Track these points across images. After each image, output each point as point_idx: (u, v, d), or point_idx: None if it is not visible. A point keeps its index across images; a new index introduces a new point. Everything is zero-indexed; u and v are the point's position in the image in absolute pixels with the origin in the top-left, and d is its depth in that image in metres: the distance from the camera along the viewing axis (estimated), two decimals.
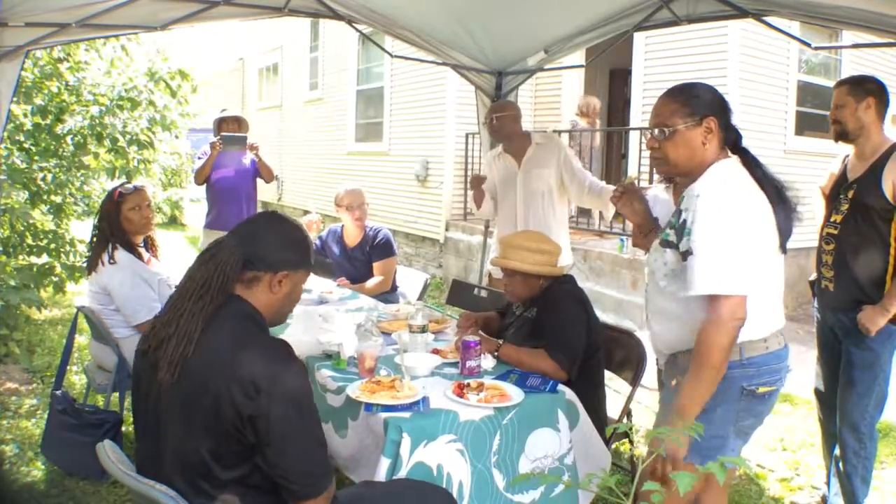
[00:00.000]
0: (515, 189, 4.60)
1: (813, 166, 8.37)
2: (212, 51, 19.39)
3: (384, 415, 2.44)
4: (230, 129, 5.89)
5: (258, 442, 1.83)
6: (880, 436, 3.48)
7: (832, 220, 3.30)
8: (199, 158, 5.88)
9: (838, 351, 3.33)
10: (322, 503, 1.90)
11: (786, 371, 2.38)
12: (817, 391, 3.60)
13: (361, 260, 5.07)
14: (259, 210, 6.41)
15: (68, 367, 4.21)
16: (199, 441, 1.84)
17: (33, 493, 3.51)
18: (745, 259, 2.16)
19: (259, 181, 6.10)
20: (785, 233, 2.31)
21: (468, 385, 2.71)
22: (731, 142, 2.37)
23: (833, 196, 3.36)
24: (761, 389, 2.28)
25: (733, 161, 2.34)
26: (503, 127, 4.58)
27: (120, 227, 3.81)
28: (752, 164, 2.34)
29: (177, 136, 8.16)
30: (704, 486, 2.35)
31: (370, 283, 4.98)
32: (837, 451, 3.34)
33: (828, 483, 3.52)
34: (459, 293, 5.09)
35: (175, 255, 6.41)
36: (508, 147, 4.68)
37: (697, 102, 2.32)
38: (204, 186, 5.99)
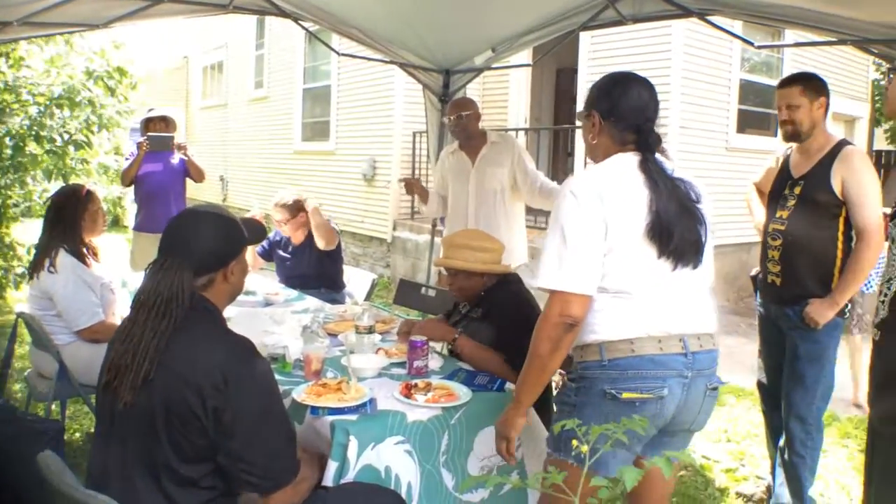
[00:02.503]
0: (468, 186, 4.61)
1: (754, 163, 8.50)
2: (155, 48, 19.02)
3: (330, 418, 2.40)
4: (157, 128, 5.85)
5: (222, 435, 1.86)
6: (824, 425, 3.55)
7: (778, 215, 3.35)
8: (127, 159, 5.86)
9: (782, 344, 3.39)
10: (287, 495, 1.98)
11: (672, 382, 2.13)
12: (760, 383, 3.66)
13: (308, 257, 4.98)
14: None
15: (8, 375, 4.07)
16: (161, 438, 1.87)
17: None
18: (587, 257, 2.08)
19: (199, 182, 6.07)
20: (668, 238, 2.10)
21: (416, 385, 2.69)
22: (632, 138, 2.24)
23: (776, 192, 3.41)
24: (625, 395, 2.11)
25: (623, 157, 2.22)
26: (469, 125, 4.59)
27: (78, 225, 3.71)
28: (646, 162, 2.18)
29: (108, 133, 7.98)
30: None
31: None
32: (782, 442, 3.40)
33: (773, 473, 3.59)
34: (407, 293, 5.06)
35: (116, 258, 6.27)
36: (464, 144, 4.69)
37: (587, 98, 2.32)
38: (133, 188, 5.94)
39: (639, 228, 2.10)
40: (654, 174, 2.15)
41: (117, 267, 5.49)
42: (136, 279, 4.54)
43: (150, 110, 6.10)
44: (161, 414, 1.87)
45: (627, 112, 2.24)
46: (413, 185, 4.89)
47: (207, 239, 2.06)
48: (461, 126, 4.59)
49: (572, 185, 2.16)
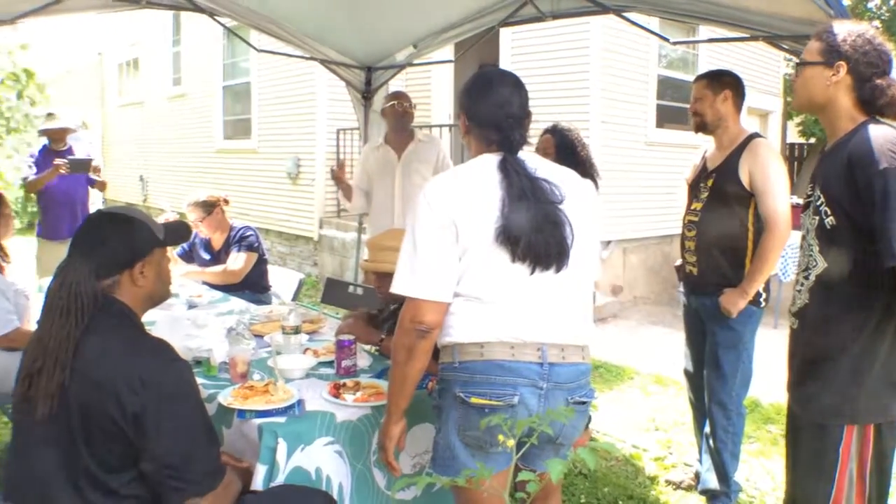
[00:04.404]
0: (393, 182, 4.64)
1: (673, 156, 8.79)
2: (69, 45, 18.41)
3: (258, 421, 2.36)
4: (56, 136, 5.91)
5: (144, 441, 1.82)
6: (747, 412, 3.66)
7: (693, 207, 3.45)
8: (30, 167, 5.80)
9: (703, 332, 3.48)
10: (216, 499, 1.92)
11: (524, 391, 2.06)
12: (686, 371, 3.74)
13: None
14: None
15: None
16: (83, 450, 1.83)
17: None
18: (438, 263, 2.04)
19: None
20: (515, 241, 2.03)
21: (344, 385, 2.66)
22: (495, 138, 2.18)
23: (694, 185, 3.51)
24: (474, 400, 2.06)
25: (486, 158, 2.17)
26: (411, 115, 4.74)
27: None
28: (505, 162, 2.11)
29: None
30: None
31: (214, 268, 4.81)
32: (707, 429, 3.49)
33: (700, 460, 3.67)
34: (334, 291, 5.02)
35: (30, 264, 6.04)
36: (393, 138, 4.74)
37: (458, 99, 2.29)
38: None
39: (490, 232, 2.04)
40: (511, 175, 2.08)
41: (27, 273, 5.30)
42: None
43: (49, 115, 6.08)
44: (79, 423, 1.82)
45: (487, 111, 2.19)
46: (339, 177, 4.85)
47: (108, 239, 2.02)
48: (403, 113, 4.69)
49: (426, 189, 2.13)
